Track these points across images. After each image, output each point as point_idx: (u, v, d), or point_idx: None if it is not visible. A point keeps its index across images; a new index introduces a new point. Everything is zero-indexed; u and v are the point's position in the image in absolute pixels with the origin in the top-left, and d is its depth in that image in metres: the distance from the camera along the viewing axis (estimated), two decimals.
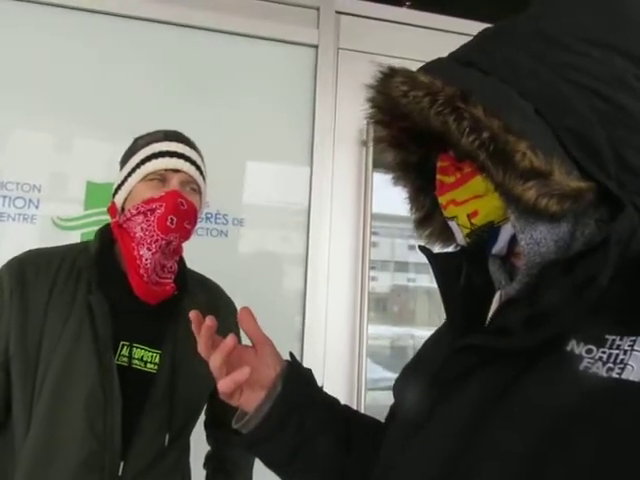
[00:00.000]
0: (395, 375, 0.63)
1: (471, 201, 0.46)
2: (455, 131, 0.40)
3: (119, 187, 0.89)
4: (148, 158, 0.85)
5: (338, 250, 1.57)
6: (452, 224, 0.49)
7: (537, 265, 0.42)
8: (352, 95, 1.56)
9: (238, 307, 0.63)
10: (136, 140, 0.91)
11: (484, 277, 0.51)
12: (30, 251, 0.87)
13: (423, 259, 0.55)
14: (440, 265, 0.53)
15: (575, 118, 0.40)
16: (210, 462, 1.02)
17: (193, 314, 0.59)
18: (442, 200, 0.49)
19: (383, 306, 1.95)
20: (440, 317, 0.58)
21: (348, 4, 1.65)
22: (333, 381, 1.46)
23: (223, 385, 0.56)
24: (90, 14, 1.47)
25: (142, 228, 0.83)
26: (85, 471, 0.77)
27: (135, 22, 1.50)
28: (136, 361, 0.84)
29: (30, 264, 0.83)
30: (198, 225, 1.44)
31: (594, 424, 0.35)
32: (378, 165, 1.56)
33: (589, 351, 0.38)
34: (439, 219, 0.55)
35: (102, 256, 0.86)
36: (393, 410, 0.62)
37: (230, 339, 0.56)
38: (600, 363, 0.36)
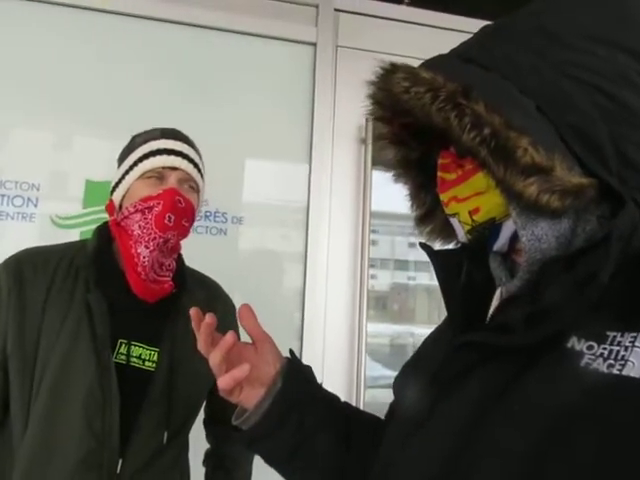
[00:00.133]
0: (395, 373, 0.63)
1: (473, 198, 0.46)
2: (456, 127, 0.40)
3: (117, 185, 0.88)
4: (146, 156, 0.85)
5: (337, 248, 1.57)
6: (453, 221, 0.49)
7: (538, 262, 0.42)
8: (351, 93, 1.56)
9: (237, 305, 0.63)
10: (134, 138, 0.91)
11: (485, 274, 0.51)
12: (28, 249, 0.87)
13: (423, 257, 0.55)
14: (441, 262, 0.53)
15: (577, 114, 0.40)
16: (209, 459, 1.03)
17: (193, 311, 0.59)
18: (444, 197, 0.49)
19: (383, 304, 1.95)
20: (440, 315, 0.57)
21: (347, 2, 1.65)
22: (332, 379, 1.46)
23: (222, 382, 0.56)
24: (89, 12, 1.47)
25: (140, 226, 0.83)
26: (83, 469, 0.77)
27: (133, 20, 1.50)
28: (134, 359, 0.84)
29: (28, 262, 0.83)
30: (197, 223, 1.45)
31: (595, 421, 0.35)
32: (377, 163, 1.56)
33: (590, 347, 0.37)
34: (440, 216, 0.55)
35: (100, 254, 0.86)
36: (393, 408, 0.62)
37: (230, 336, 0.56)
38: (601, 359, 0.36)
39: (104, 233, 0.89)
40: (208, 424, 1.03)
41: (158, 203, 0.82)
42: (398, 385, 0.61)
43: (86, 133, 1.46)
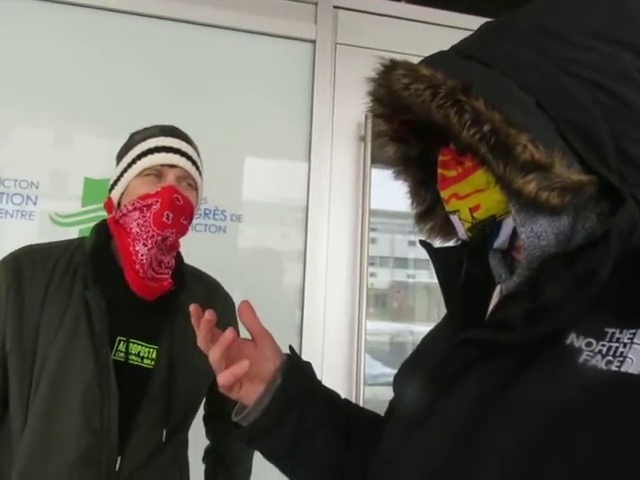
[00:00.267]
0: (394, 371, 0.63)
1: (473, 195, 0.46)
2: (456, 124, 0.40)
3: (115, 182, 0.88)
4: (144, 153, 0.85)
5: (337, 246, 1.56)
6: (454, 218, 0.49)
7: (537, 259, 0.42)
8: (350, 90, 1.55)
9: (237, 303, 0.63)
10: (132, 135, 0.91)
11: (484, 271, 0.51)
12: (26, 247, 0.87)
13: (422, 255, 0.55)
14: (441, 259, 0.53)
15: (577, 111, 0.40)
16: (209, 456, 1.03)
17: (193, 307, 0.59)
18: (444, 194, 0.49)
19: (382, 302, 1.95)
20: (440, 313, 0.57)
21: None
22: (332, 376, 1.46)
23: (222, 378, 0.56)
24: (88, 10, 1.46)
25: (138, 224, 0.83)
26: (82, 466, 0.77)
27: (131, 18, 1.49)
28: (133, 356, 0.84)
29: (26, 260, 0.83)
30: (196, 221, 1.45)
31: (593, 418, 0.35)
32: (376, 161, 1.56)
33: (589, 344, 0.38)
34: (440, 213, 0.55)
35: (98, 252, 0.86)
36: (393, 405, 0.62)
37: (229, 332, 0.56)
38: (599, 356, 0.36)
39: (102, 231, 0.89)
40: (208, 420, 1.03)
41: (156, 201, 0.82)
42: (398, 382, 0.61)
43: (85, 131, 1.46)
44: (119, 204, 0.88)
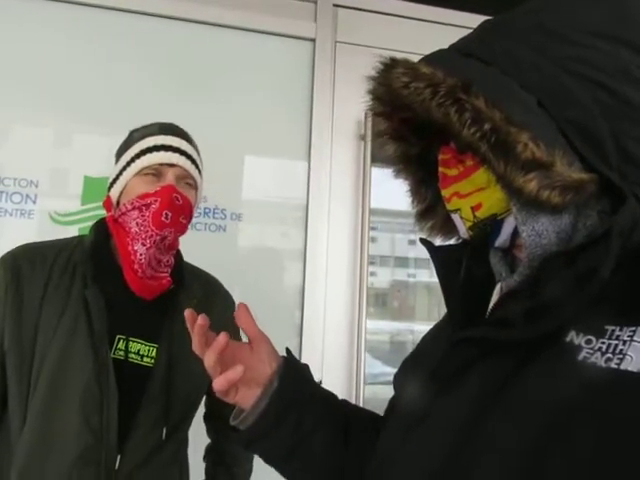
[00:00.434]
0: (395, 370, 0.63)
1: (475, 194, 0.46)
2: (456, 123, 0.40)
3: (114, 181, 0.88)
4: (143, 152, 0.84)
5: (337, 245, 1.56)
6: (455, 217, 0.49)
7: (539, 257, 0.42)
8: (350, 89, 1.55)
9: (236, 302, 0.62)
10: (131, 133, 0.91)
11: (484, 269, 0.51)
12: (25, 245, 0.86)
13: (423, 254, 0.55)
14: (441, 258, 0.53)
15: (577, 109, 0.40)
16: (210, 455, 1.03)
17: (187, 312, 0.59)
18: (445, 193, 0.49)
19: (383, 301, 1.95)
20: (440, 312, 0.57)
21: None
22: (332, 375, 1.47)
23: (217, 384, 0.56)
24: (89, 9, 1.46)
25: (137, 223, 0.82)
26: (81, 465, 0.77)
27: (131, 17, 1.49)
28: (132, 355, 0.84)
29: (25, 258, 0.83)
30: (196, 220, 1.45)
31: (593, 415, 0.35)
32: (376, 159, 1.55)
33: (588, 341, 0.37)
34: (441, 212, 0.55)
35: (97, 250, 0.86)
36: (393, 403, 0.62)
37: (222, 337, 0.56)
38: (599, 353, 0.36)
39: (102, 229, 0.89)
40: (208, 419, 1.03)
41: (155, 200, 0.82)
42: (398, 381, 0.61)
43: (85, 130, 1.46)
44: (118, 203, 0.87)
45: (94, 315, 0.80)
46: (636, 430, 0.33)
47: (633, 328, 0.36)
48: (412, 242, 1.97)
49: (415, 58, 0.46)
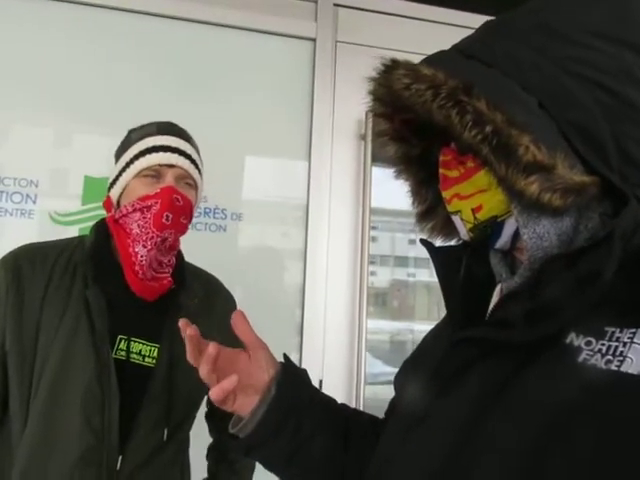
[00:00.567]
0: (395, 370, 0.63)
1: (476, 195, 0.45)
2: (458, 125, 0.40)
3: (114, 182, 0.88)
4: (142, 153, 0.84)
5: (337, 245, 1.56)
6: (455, 218, 0.49)
7: (540, 259, 0.42)
8: (350, 88, 1.55)
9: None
10: (129, 133, 0.90)
11: (484, 270, 0.51)
12: (26, 245, 0.86)
13: (423, 254, 0.55)
14: (441, 259, 0.53)
15: (578, 111, 0.40)
16: (212, 453, 1.03)
17: (182, 322, 0.59)
18: (446, 194, 0.48)
19: (383, 301, 1.95)
20: (440, 312, 0.57)
21: None
22: (332, 375, 1.47)
23: (213, 394, 0.56)
24: (89, 9, 1.46)
25: (139, 225, 0.82)
26: (83, 466, 0.77)
27: (131, 16, 1.49)
28: (134, 355, 0.84)
29: (26, 259, 0.83)
30: (197, 220, 1.45)
31: (593, 416, 0.35)
32: (377, 159, 1.55)
33: (588, 343, 0.37)
34: (441, 213, 0.54)
35: (98, 250, 0.86)
36: (393, 404, 0.62)
37: (212, 348, 0.56)
38: (599, 355, 0.36)
39: (102, 229, 0.89)
40: (210, 418, 1.03)
41: (156, 202, 0.82)
42: (399, 381, 0.61)
43: (85, 129, 1.46)
44: (118, 203, 0.87)
45: (95, 315, 0.80)
46: (636, 430, 0.33)
47: (633, 330, 0.36)
48: (412, 241, 1.97)
49: (416, 58, 0.45)
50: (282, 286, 1.54)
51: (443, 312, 0.57)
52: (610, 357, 0.36)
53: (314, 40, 1.60)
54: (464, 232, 0.48)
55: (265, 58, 1.57)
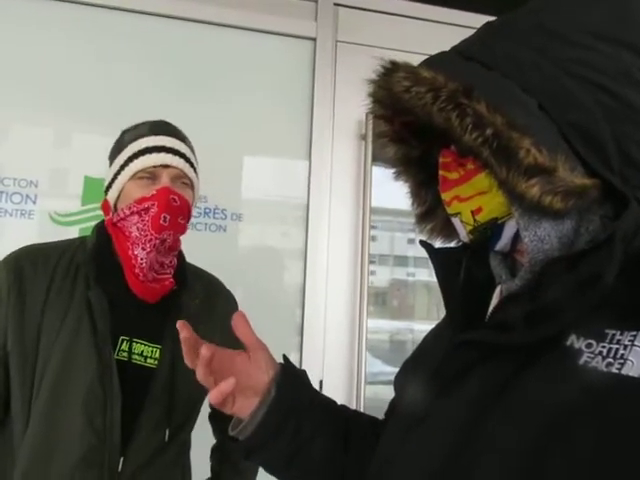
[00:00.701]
0: (394, 369, 0.63)
1: (475, 197, 0.45)
2: (458, 127, 0.40)
3: (110, 185, 0.88)
4: (135, 155, 0.84)
5: (337, 244, 1.56)
6: (455, 221, 0.49)
7: (540, 262, 0.42)
8: (351, 88, 1.55)
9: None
10: (122, 134, 0.90)
11: (484, 271, 0.51)
12: (27, 247, 0.86)
13: (422, 253, 0.55)
14: (440, 260, 0.53)
15: (579, 113, 0.40)
16: (216, 453, 1.02)
17: (179, 324, 0.59)
18: (445, 196, 0.48)
19: (382, 300, 1.95)
20: (439, 311, 0.57)
21: None
22: (333, 375, 1.47)
23: (212, 397, 0.56)
24: (89, 8, 1.46)
25: (138, 228, 0.82)
26: (84, 467, 0.77)
27: (130, 16, 1.49)
28: (136, 356, 0.84)
29: (28, 260, 0.83)
30: (196, 220, 1.45)
31: (593, 418, 0.35)
32: (377, 159, 1.55)
33: (589, 345, 0.37)
34: (441, 214, 0.54)
35: (100, 251, 0.86)
36: (393, 404, 0.62)
37: (204, 351, 0.55)
38: (600, 357, 0.36)
39: (103, 230, 0.89)
40: (214, 419, 1.03)
41: (153, 204, 0.82)
42: (399, 382, 0.61)
43: (85, 129, 1.46)
44: (115, 206, 0.87)
45: (97, 316, 0.81)
46: (636, 432, 0.33)
47: (634, 333, 0.36)
48: (411, 241, 1.97)
49: (417, 58, 0.45)
50: (282, 286, 1.54)
51: (443, 312, 0.57)
52: (611, 360, 0.36)
53: (314, 40, 1.59)
54: (464, 234, 0.48)
55: (265, 58, 1.57)
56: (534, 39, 0.42)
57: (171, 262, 0.89)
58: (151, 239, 0.82)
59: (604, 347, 0.37)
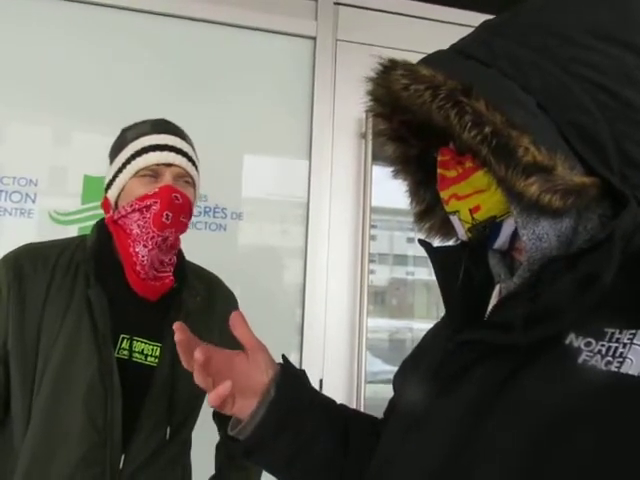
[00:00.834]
0: (394, 368, 0.63)
1: (473, 196, 0.45)
2: (457, 126, 0.40)
3: (111, 182, 0.88)
4: (138, 153, 0.84)
5: (337, 243, 1.56)
6: (453, 219, 0.49)
7: (539, 261, 0.42)
8: (351, 87, 1.55)
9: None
10: (123, 132, 0.90)
11: (483, 270, 0.51)
12: (27, 245, 0.87)
13: (422, 252, 0.54)
14: (439, 259, 0.53)
15: (578, 112, 0.40)
16: (220, 450, 1.02)
17: (176, 325, 0.58)
18: (444, 195, 0.48)
19: (382, 299, 1.95)
20: (439, 310, 0.57)
21: None
22: (333, 374, 1.47)
23: (211, 400, 0.55)
24: (89, 7, 1.46)
25: (139, 225, 0.82)
26: (85, 465, 0.77)
27: (130, 15, 1.49)
28: (137, 354, 0.84)
29: (28, 258, 0.83)
30: (197, 219, 1.45)
31: (593, 417, 0.35)
32: (377, 158, 1.55)
33: (588, 344, 0.37)
34: (439, 213, 0.54)
35: (100, 249, 0.86)
36: (393, 404, 0.62)
37: (198, 354, 0.55)
38: (599, 356, 0.36)
39: (103, 229, 0.89)
40: (218, 417, 1.02)
41: (155, 202, 0.82)
42: (398, 381, 0.62)
43: (84, 128, 1.46)
44: (116, 204, 0.87)
45: (97, 314, 0.81)
46: (636, 431, 0.33)
47: (633, 331, 0.36)
48: (411, 240, 1.97)
49: (417, 57, 0.45)
50: (282, 284, 1.54)
51: (442, 310, 0.57)
52: (610, 358, 0.36)
53: (314, 38, 1.59)
54: (462, 232, 0.48)
55: (265, 56, 1.57)
56: (534, 38, 0.42)
57: (171, 260, 0.89)
58: (153, 236, 0.82)
59: (603, 346, 0.36)
